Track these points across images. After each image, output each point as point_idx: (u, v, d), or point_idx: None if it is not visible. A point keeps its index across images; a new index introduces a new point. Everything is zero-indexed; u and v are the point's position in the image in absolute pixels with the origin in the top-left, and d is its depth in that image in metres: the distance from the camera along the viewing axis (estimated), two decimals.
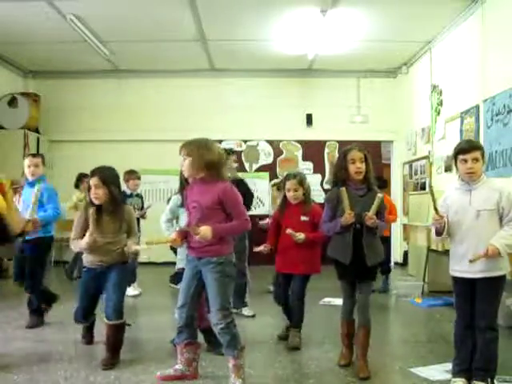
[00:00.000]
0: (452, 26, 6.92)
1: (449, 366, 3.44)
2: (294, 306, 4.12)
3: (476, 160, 2.99)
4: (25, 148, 8.31)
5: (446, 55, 7.26)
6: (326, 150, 9.36)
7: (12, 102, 8.44)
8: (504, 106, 5.49)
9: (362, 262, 3.33)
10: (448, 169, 6.94)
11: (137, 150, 9.12)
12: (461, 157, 3.03)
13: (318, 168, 9.43)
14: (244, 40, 7.70)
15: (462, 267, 3.06)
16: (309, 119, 9.32)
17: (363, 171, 3.42)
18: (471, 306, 3.03)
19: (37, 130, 8.86)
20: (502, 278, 3.02)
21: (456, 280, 3.12)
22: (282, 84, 9.31)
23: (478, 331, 3.00)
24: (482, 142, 6.04)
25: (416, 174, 8.47)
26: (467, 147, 3.07)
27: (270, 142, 9.49)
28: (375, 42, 7.65)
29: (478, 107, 6.14)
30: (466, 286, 3.07)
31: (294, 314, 4.13)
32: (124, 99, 9.28)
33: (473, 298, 3.02)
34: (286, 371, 3.56)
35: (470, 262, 2.94)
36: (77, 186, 7.18)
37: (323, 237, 3.96)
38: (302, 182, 4.11)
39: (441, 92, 7.40)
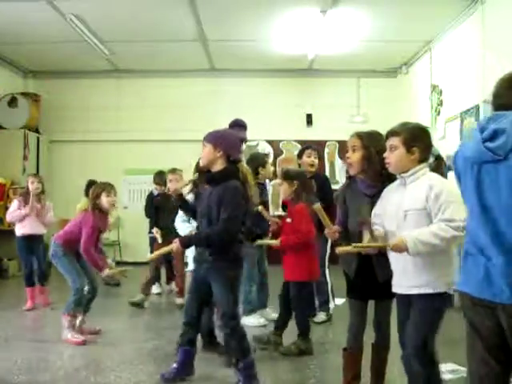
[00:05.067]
0: (452, 26, 6.92)
1: (449, 366, 3.44)
2: (294, 315, 3.97)
3: (394, 148, 2.43)
4: (25, 148, 8.31)
5: (446, 55, 7.26)
6: (326, 150, 9.34)
7: (12, 101, 8.44)
8: None
9: (373, 278, 2.67)
10: None
11: (137, 149, 9.12)
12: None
13: (318, 168, 9.39)
14: (244, 40, 7.69)
15: (394, 279, 2.52)
16: (309, 119, 9.31)
17: (352, 162, 2.77)
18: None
19: (37, 130, 8.86)
20: (437, 297, 2.37)
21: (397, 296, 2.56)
22: (282, 84, 9.30)
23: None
24: None
25: None
26: (387, 133, 2.51)
27: (270, 142, 9.49)
28: (375, 42, 7.65)
29: (477, 107, 6.13)
30: (400, 304, 2.53)
31: (296, 323, 3.95)
32: (124, 99, 9.27)
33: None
34: (285, 371, 3.56)
35: (355, 247, 2.44)
36: (87, 193, 7.00)
37: (295, 241, 3.78)
38: (286, 176, 3.91)
39: (441, 92, 7.39)
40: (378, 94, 9.16)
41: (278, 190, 5.32)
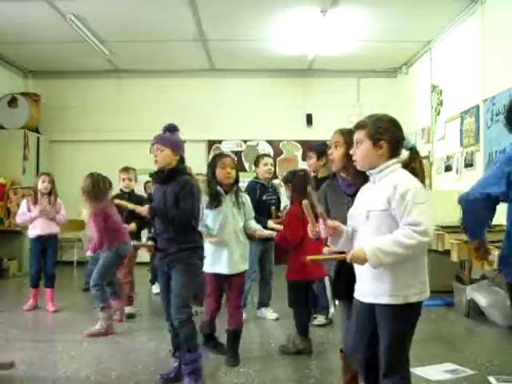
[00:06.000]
0: (452, 26, 6.92)
1: (449, 366, 3.45)
2: (293, 314, 4.06)
3: (359, 142, 2.22)
4: (25, 148, 8.31)
5: (446, 55, 7.26)
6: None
7: (12, 101, 8.44)
8: (504, 106, 5.48)
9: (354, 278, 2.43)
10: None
11: (137, 150, 9.09)
12: None
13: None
14: (244, 40, 7.70)
15: (357, 285, 2.28)
16: (309, 119, 9.32)
17: (334, 159, 2.66)
18: (370, 344, 2.21)
19: (37, 130, 8.86)
20: (404, 308, 2.09)
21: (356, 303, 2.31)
22: (282, 84, 9.31)
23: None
24: (481, 141, 6.04)
25: None
26: (353, 126, 2.29)
27: (270, 142, 9.49)
28: (375, 42, 7.65)
29: (478, 107, 6.14)
30: (360, 313, 2.26)
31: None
32: (124, 99, 9.28)
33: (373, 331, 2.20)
34: (285, 371, 3.56)
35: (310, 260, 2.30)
36: None
37: (280, 239, 3.90)
38: (283, 180, 4.12)
39: (441, 92, 7.40)
40: (378, 94, 9.16)
41: (278, 190, 5.37)
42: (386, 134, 2.18)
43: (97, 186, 4.55)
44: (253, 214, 3.84)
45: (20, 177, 8.10)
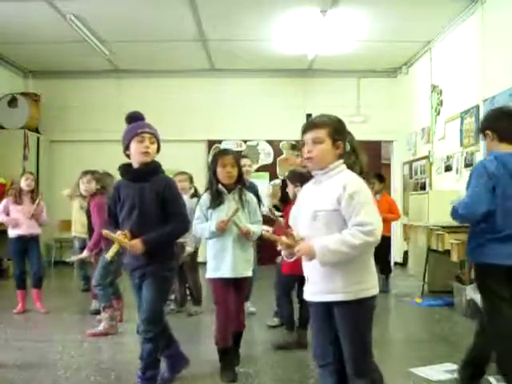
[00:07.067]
0: (452, 26, 6.92)
1: (449, 366, 3.45)
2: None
3: (318, 142, 2.19)
4: (25, 148, 8.31)
5: (446, 55, 7.26)
6: None
7: (12, 101, 8.44)
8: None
9: None
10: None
11: None
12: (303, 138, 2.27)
13: None
14: (244, 40, 7.70)
15: (306, 286, 2.28)
16: (309, 119, 9.32)
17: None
18: (333, 344, 2.22)
19: (37, 130, 8.86)
20: (357, 304, 2.13)
21: (310, 304, 2.31)
22: (282, 84, 9.31)
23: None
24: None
25: (416, 173, 8.47)
26: (305, 126, 2.29)
27: (270, 142, 9.49)
28: (375, 42, 7.65)
29: (478, 107, 6.14)
30: (318, 314, 2.25)
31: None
32: (124, 99, 9.26)
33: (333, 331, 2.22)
34: (285, 370, 3.56)
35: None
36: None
37: (279, 232, 3.90)
38: (289, 178, 4.13)
39: (441, 92, 7.40)
40: (378, 94, 9.17)
41: (276, 190, 5.36)
42: (342, 135, 2.22)
43: (100, 182, 4.78)
44: (258, 217, 3.48)
45: (20, 177, 8.08)
